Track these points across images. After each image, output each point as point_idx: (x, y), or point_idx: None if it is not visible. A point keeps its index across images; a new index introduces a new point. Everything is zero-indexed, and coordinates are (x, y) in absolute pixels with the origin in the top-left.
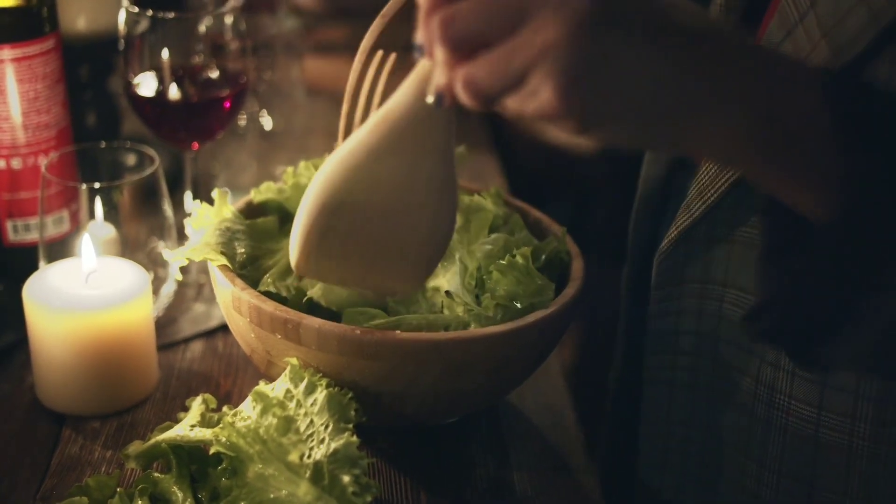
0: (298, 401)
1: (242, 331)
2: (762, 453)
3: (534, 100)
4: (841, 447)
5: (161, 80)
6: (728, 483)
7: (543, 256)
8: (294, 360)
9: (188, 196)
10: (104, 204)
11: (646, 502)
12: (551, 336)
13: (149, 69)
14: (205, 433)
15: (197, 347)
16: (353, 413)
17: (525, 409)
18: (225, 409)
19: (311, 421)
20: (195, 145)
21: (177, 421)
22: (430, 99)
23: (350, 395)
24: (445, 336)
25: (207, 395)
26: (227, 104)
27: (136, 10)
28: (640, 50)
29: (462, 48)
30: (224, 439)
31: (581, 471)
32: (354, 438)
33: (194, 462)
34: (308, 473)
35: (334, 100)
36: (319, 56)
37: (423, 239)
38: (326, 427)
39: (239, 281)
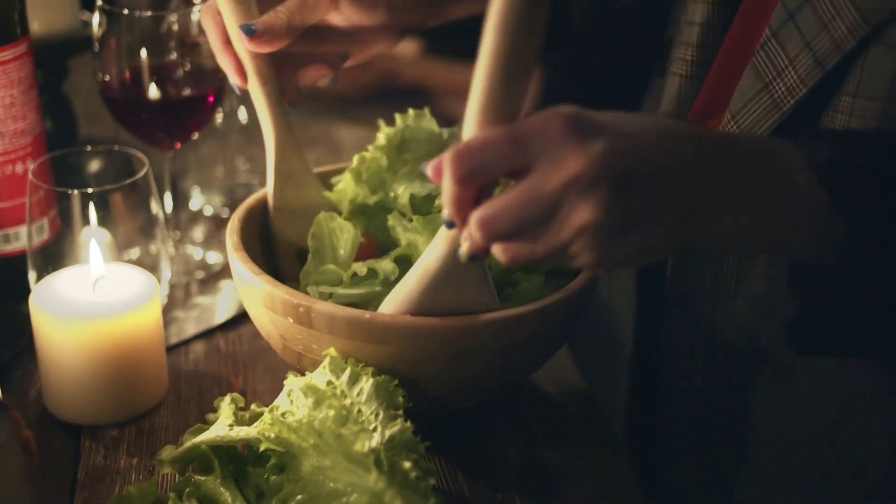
0: (343, 391)
1: (258, 316)
2: (788, 400)
3: (576, 262)
4: (864, 392)
5: (139, 80)
6: (751, 443)
7: None
8: (333, 352)
9: (168, 197)
10: (98, 209)
11: (671, 466)
12: (561, 322)
13: (125, 69)
14: (249, 431)
15: (199, 349)
16: (400, 399)
17: (542, 390)
18: (254, 406)
19: (360, 410)
20: (178, 144)
21: (200, 423)
22: (462, 259)
23: (396, 381)
24: (454, 321)
25: (236, 395)
26: (210, 99)
27: (111, 8)
28: (658, 205)
29: (503, 240)
30: (273, 435)
31: (608, 445)
32: (408, 424)
33: (232, 462)
34: (372, 462)
35: (318, 100)
36: None
37: None
38: (377, 415)
39: (253, 266)
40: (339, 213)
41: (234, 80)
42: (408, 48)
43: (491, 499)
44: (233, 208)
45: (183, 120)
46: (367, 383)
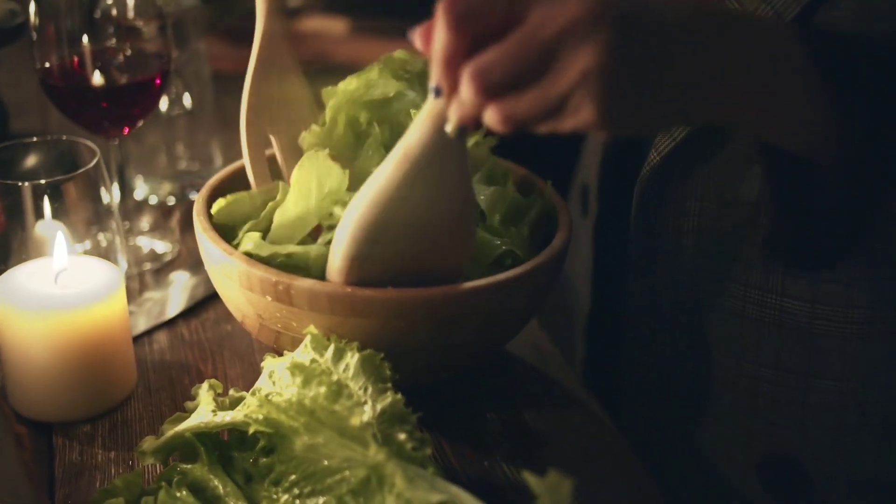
0: (328, 368)
1: (233, 296)
2: (756, 352)
3: (573, 118)
4: (834, 335)
5: (81, 67)
6: (722, 385)
7: (533, 212)
8: (314, 329)
9: (115, 186)
10: (52, 201)
11: (636, 418)
12: (543, 285)
13: (66, 56)
14: (235, 416)
15: (162, 338)
16: (388, 372)
17: (515, 355)
18: (232, 391)
19: (348, 386)
20: (126, 130)
21: (174, 412)
22: (451, 131)
23: (381, 355)
24: (436, 291)
25: (213, 381)
26: (157, 82)
27: None
28: (659, 55)
29: (498, 93)
30: (261, 417)
31: (587, 403)
32: (399, 396)
33: (216, 449)
34: (370, 435)
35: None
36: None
37: (455, 244)
38: (366, 390)
39: (226, 245)
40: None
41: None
42: (337, 26)
43: (478, 466)
44: (179, 196)
45: (129, 106)
46: (352, 359)
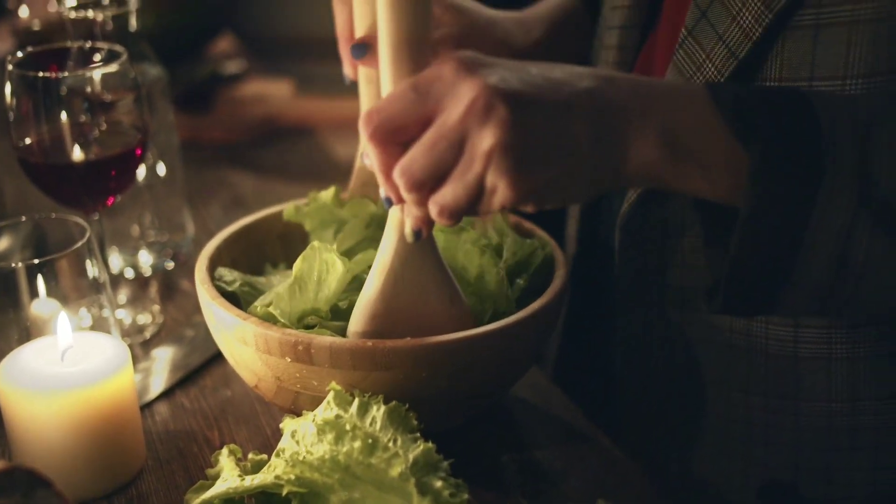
0: (355, 423)
1: (248, 361)
2: (746, 381)
3: (496, 197)
4: (820, 357)
5: (60, 144)
6: (716, 414)
7: (530, 254)
8: (336, 386)
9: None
10: (46, 280)
11: (631, 452)
12: (549, 323)
13: (45, 133)
14: (265, 478)
15: (163, 410)
16: (414, 422)
17: (517, 394)
18: (251, 455)
19: (380, 439)
20: (110, 201)
21: (188, 482)
22: (407, 236)
23: (406, 405)
24: (454, 338)
25: (233, 446)
26: (138, 152)
27: (24, 72)
28: (560, 127)
29: (425, 187)
30: (293, 477)
31: (595, 436)
32: (430, 444)
33: None
34: (412, 485)
35: (205, 149)
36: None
37: (452, 318)
38: (395, 441)
39: (239, 311)
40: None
41: (347, 70)
42: (282, 89)
43: None
44: (156, 267)
45: (109, 180)
46: (378, 411)
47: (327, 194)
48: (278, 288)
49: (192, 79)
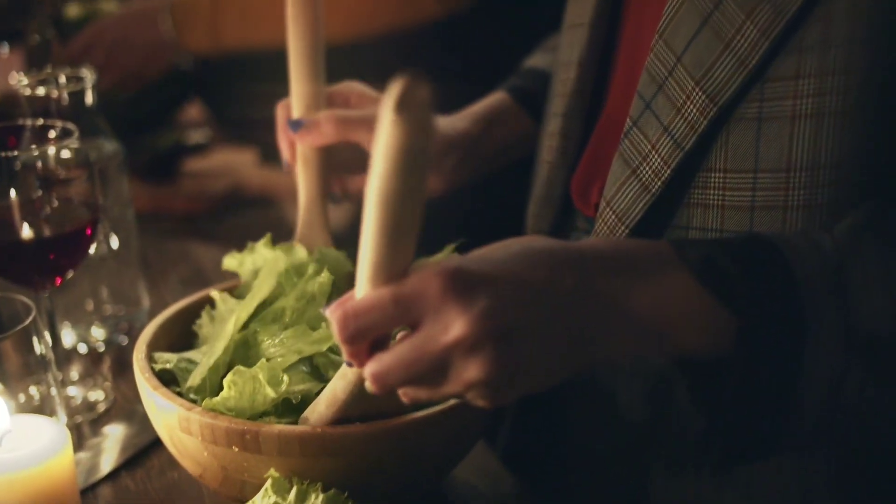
0: None
1: (192, 451)
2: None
3: (472, 402)
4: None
5: (10, 223)
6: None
7: None
8: (274, 473)
9: (48, 337)
10: None
11: None
12: None
13: None
14: None
15: (107, 493)
16: None
17: (464, 479)
18: None
19: None
20: (58, 280)
21: None
22: (371, 391)
23: (346, 494)
24: (406, 420)
25: None
26: (88, 232)
27: None
28: (545, 346)
29: (396, 390)
30: None
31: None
32: None
33: None
34: None
35: (167, 220)
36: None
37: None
38: None
39: (183, 401)
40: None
41: (285, 156)
42: (246, 159)
43: None
44: (108, 342)
45: (59, 258)
46: (317, 499)
47: (263, 242)
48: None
49: (155, 148)
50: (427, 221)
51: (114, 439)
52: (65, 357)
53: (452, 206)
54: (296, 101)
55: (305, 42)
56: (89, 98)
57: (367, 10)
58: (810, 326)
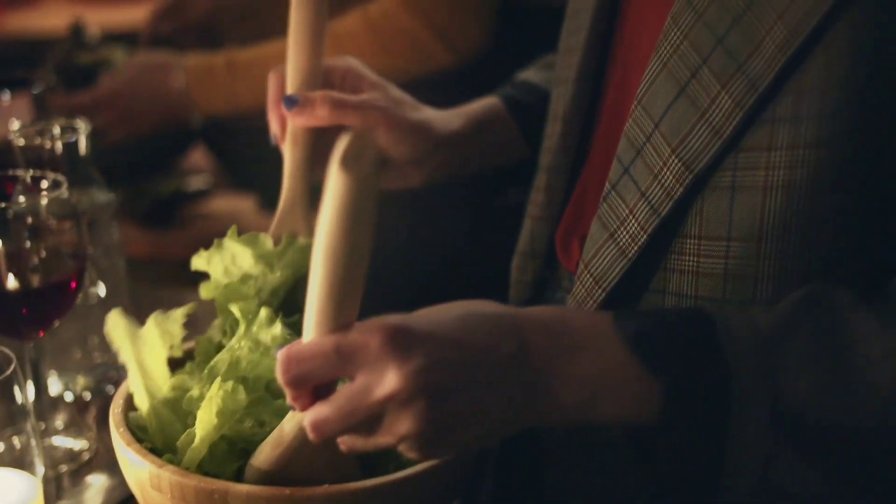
0: None
1: None
2: None
3: (406, 454)
4: None
5: None
6: None
7: None
8: None
9: (30, 387)
10: None
11: None
12: (469, 461)
13: None
14: None
15: None
16: None
17: None
18: None
19: None
20: (41, 333)
21: None
22: (311, 439)
23: None
24: (375, 483)
25: None
26: (73, 285)
27: None
28: (479, 406)
29: (333, 438)
30: None
31: None
32: None
33: None
34: None
35: (164, 266)
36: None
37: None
38: None
39: (155, 458)
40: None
41: (274, 130)
42: (246, 205)
43: None
44: (95, 391)
45: (45, 309)
46: None
47: (229, 235)
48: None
49: (156, 194)
50: (414, 268)
51: (95, 490)
52: (50, 405)
53: (441, 256)
54: (291, 76)
55: (309, 12)
56: (83, 148)
57: (379, 61)
58: (735, 404)
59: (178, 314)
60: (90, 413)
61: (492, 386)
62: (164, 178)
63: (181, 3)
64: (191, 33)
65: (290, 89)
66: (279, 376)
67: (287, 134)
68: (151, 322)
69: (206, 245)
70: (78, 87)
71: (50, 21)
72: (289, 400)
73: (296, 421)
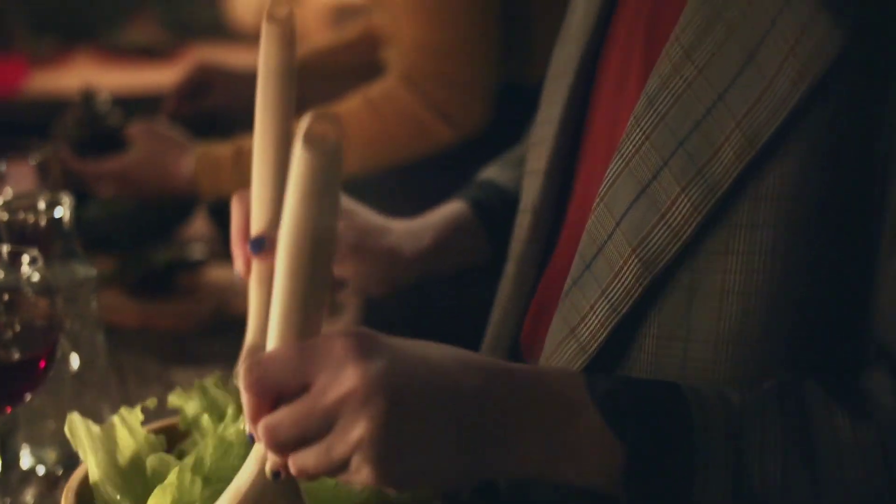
0: None
1: None
2: None
3: (359, 477)
4: None
5: None
6: None
7: None
8: None
9: None
10: None
11: None
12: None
13: None
14: None
15: None
16: None
17: None
18: None
19: None
20: (8, 409)
21: None
22: (267, 473)
23: None
24: None
25: None
26: (42, 364)
27: None
28: (435, 425)
29: (287, 449)
30: None
31: None
32: None
33: None
34: None
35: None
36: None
37: None
38: None
39: None
40: None
41: (238, 268)
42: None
43: None
44: (67, 465)
45: (15, 385)
46: None
47: (210, 380)
48: None
49: (150, 262)
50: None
51: None
52: (20, 479)
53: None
54: (256, 211)
55: (273, 136)
56: (67, 221)
57: (381, 141)
58: (699, 474)
59: (139, 411)
60: (60, 489)
61: (453, 416)
62: (163, 247)
63: (205, 86)
64: (206, 119)
65: (254, 226)
66: (241, 383)
67: (252, 272)
68: (116, 419)
69: (198, 318)
70: (88, 155)
71: (75, 82)
72: (247, 417)
73: (251, 467)
